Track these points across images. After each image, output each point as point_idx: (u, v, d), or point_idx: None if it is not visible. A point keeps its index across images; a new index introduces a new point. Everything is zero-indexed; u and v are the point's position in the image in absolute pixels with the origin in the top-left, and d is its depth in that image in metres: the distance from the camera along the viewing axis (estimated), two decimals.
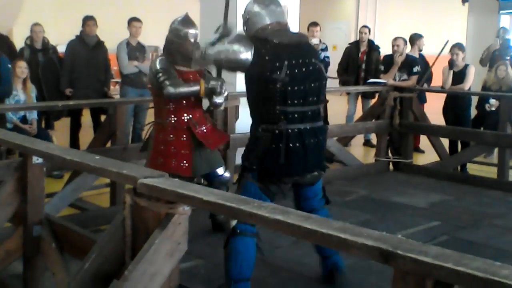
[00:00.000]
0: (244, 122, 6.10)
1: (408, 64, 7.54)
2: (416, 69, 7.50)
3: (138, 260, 2.20)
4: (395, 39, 7.94)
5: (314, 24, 8.68)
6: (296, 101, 3.39)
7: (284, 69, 3.34)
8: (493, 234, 4.97)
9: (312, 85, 3.46)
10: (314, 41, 8.38)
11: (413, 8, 17.11)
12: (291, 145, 3.36)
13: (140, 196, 2.31)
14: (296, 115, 3.40)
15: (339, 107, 9.90)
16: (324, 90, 3.61)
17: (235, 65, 3.48)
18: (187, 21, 4.45)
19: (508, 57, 9.30)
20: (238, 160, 6.16)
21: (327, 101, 4.20)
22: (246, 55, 3.37)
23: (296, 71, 3.39)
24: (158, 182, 2.26)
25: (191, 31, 4.38)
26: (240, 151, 6.02)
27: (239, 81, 6.66)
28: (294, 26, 7.15)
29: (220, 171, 4.64)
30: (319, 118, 3.53)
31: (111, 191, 5.27)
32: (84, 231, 3.05)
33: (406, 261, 1.57)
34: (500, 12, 11.14)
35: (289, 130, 3.37)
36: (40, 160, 3.05)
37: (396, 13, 17.16)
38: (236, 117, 5.88)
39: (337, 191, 6.09)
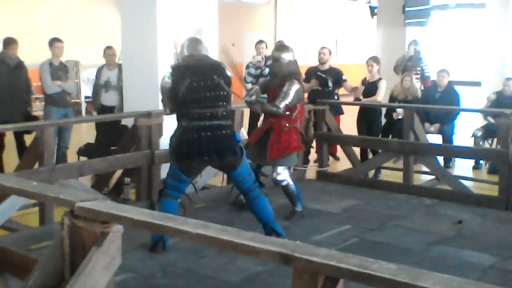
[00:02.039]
0: (168, 138, 6.41)
1: (335, 74, 8.30)
2: (343, 77, 8.43)
3: (78, 274, 2.49)
4: (322, 48, 8.62)
5: (260, 41, 9.12)
6: (194, 106, 4.74)
7: (185, 83, 4.72)
8: (398, 234, 5.49)
9: (208, 94, 4.74)
10: (257, 58, 8.81)
11: (327, 20, 17.90)
12: (190, 136, 4.73)
13: (77, 217, 2.60)
14: (195, 115, 4.74)
15: None
16: (223, 99, 4.78)
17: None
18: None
19: (419, 68, 10.05)
20: (163, 175, 6.48)
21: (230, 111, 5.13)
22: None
23: (195, 84, 4.74)
24: (93, 205, 2.56)
25: None
26: (164, 167, 6.35)
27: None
28: (212, 42, 7.55)
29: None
30: (218, 118, 4.77)
31: (40, 211, 5.43)
32: (23, 251, 3.28)
33: (301, 262, 1.96)
34: (406, 24, 11.93)
35: (190, 126, 4.74)
36: None
37: (312, 24, 17.89)
38: (160, 134, 6.16)
39: None
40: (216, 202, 6.42)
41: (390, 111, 8.74)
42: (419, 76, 9.97)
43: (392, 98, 8.83)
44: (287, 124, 5.66)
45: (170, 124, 6.51)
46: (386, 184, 7.24)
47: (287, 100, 5.54)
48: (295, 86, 5.57)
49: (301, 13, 17.87)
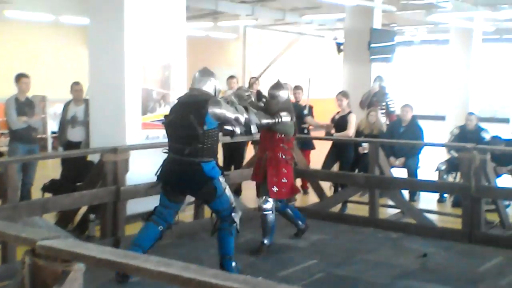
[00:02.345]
0: (134, 174, 6.41)
1: (297, 109, 8.49)
2: (305, 112, 8.70)
3: None
4: (296, 87, 9.09)
5: (231, 77, 9.38)
6: (172, 140, 5.04)
7: (170, 117, 5.03)
8: (364, 268, 5.53)
9: (181, 132, 4.92)
10: (228, 92, 8.91)
11: (294, 54, 18.17)
12: (168, 166, 5.06)
13: (38, 256, 2.58)
14: (172, 148, 5.04)
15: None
16: (193, 138, 4.83)
17: None
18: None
19: (384, 103, 10.25)
20: (130, 211, 6.45)
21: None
22: None
23: (175, 120, 4.97)
24: (55, 243, 2.55)
25: None
26: (130, 203, 6.32)
27: (128, 136, 6.99)
28: (181, 77, 7.61)
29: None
30: (191, 155, 4.87)
31: (2, 249, 5.33)
32: None
33: None
34: (371, 60, 12.20)
35: (169, 156, 5.07)
36: None
37: (280, 59, 18.11)
38: (126, 170, 6.15)
39: None
40: (183, 238, 6.38)
41: (356, 145, 8.87)
42: (384, 111, 10.16)
43: (358, 133, 8.97)
44: (283, 157, 5.92)
45: (137, 159, 6.52)
46: (353, 218, 7.30)
47: (287, 118, 5.79)
48: (288, 117, 5.82)
49: (269, 49, 18.11)
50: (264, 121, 5.63)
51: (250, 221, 7.15)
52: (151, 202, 6.87)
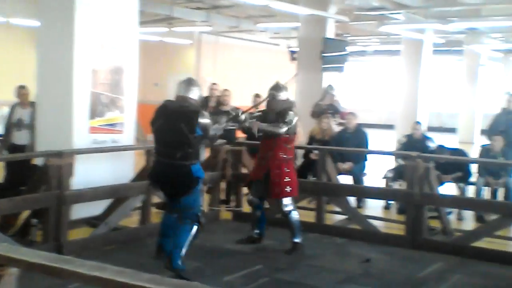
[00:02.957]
0: (79, 178, 6.34)
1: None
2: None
3: None
4: (225, 90, 9.12)
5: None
6: (160, 144, 5.38)
7: (158, 123, 5.34)
8: (308, 273, 5.60)
9: (171, 138, 5.26)
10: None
11: (248, 62, 18.28)
12: (156, 168, 5.45)
13: None
14: (161, 152, 5.37)
15: None
16: (183, 144, 5.20)
17: None
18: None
19: (339, 113, 10.38)
20: (75, 216, 6.38)
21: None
22: None
23: (164, 126, 5.31)
24: None
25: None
26: (75, 207, 6.25)
27: (75, 140, 6.91)
28: (132, 81, 7.56)
29: None
30: (182, 159, 5.22)
31: None
32: None
33: None
34: (323, 69, 12.35)
35: (157, 159, 5.47)
36: None
37: (234, 66, 18.20)
38: (71, 174, 6.07)
39: None
40: (127, 243, 6.34)
41: (309, 151, 8.98)
42: (336, 119, 10.30)
43: (311, 139, 9.09)
44: (284, 156, 6.15)
45: (82, 164, 6.45)
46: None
47: (289, 125, 6.06)
48: (294, 116, 6.12)
49: (224, 55, 18.16)
50: (269, 129, 6.08)
51: None
52: (96, 207, 6.86)
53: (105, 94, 7.30)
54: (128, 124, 7.60)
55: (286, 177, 6.15)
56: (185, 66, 17.92)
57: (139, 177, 6.97)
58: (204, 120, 5.29)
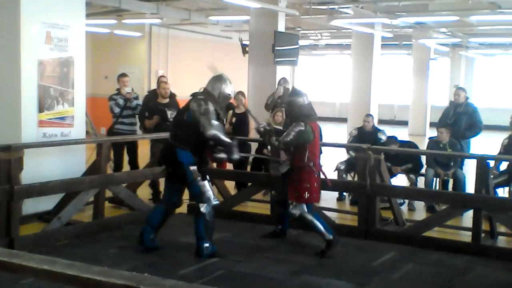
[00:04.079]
0: (29, 172, 6.18)
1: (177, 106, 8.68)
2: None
3: None
4: (166, 83, 8.97)
5: (123, 75, 9.04)
6: (171, 130, 5.97)
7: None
8: (264, 265, 5.61)
9: (175, 125, 5.95)
10: (127, 89, 8.74)
11: (200, 55, 18.17)
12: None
13: None
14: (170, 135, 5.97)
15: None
16: (187, 133, 5.63)
17: None
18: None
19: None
20: (25, 211, 6.22)
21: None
22: None
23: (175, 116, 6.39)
24: None
25: None
26: (26, 202, 6.10)
27: (24, 134, 6.74)
28: (80, 72, 7.41)
29: None
30: (171, 138, 5.84)
31: None
32: None
33: None
34: (276, 62, 12.37)
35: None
36: None
37: (186, 59, 18.06)
38: (21, 169, 5.92)
39: (126, 235, 6.40)
40: (80, 238, 6.22)
41: (262, 146, 8.98)
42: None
43: None
44: (304, 162, 5.96)
45: (32, 159, 6.29)
46: (255, 216, 7.38)
47: (286, 138, 5.95)
48: (298, 128, 5.95)
49: (176, 48, 17.98)
50: (272, 141, 6.15)
51: None
52: (48, 202, 6.72)
53: (54, 87, 7.14)
54: (78, 118, 7.46)
55: (305, 183, 5.99)
56: (136, 59, 17.68)
57: (90, 171, 6.85)
58: (200, 108, 5.55)
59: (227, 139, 5.75)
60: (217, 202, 5.83)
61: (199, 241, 5.69)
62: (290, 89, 6.32)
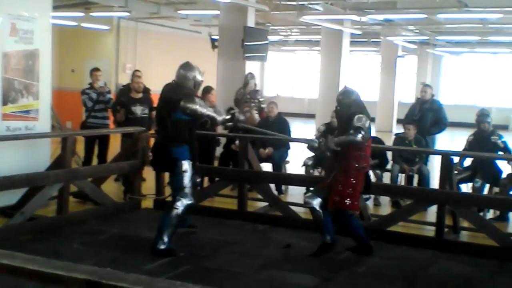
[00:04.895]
0: None
1: (150, 101, 8.77)
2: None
3: None
4: (139, 77, 8.99)
5: (96, 69, 9.05)
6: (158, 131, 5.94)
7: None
8: (230, 259, 5.60)
9: (157, 120, 5.90)
10: (100, 83, 8.69)
11: (170, 49, 18.04)
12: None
13: None
14: (156, 132, 6.09)
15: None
16: (167, 127, 5.62)
17: None
18: None
19: (257, 100, 10.43)
20: None
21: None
22: None
23: (156, 109, 6.06)
24: None
25: None
26: None
27: None
28: (46, 66, 7.30)
29: None
30: (162, 139, 5.75)
31: None
32: None
33: None
34: (245, 57, 12.36)
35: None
36: None
37: (155, 53, 17.92)
38: None
39: (91, 230, 6.35)
40: (44, 233, 6.13)
41: (230, 142, 8.99)
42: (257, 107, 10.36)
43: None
44: (356, 165, 5.56)
45: None
46: (222, 211, 7.38)
47: (363, 131, 5.47)
48: (365, 119, 5.55)
49: (145, 42, 17.82)
50: (346, 141, 5.50)
51: (117, 216, 7.06)
52: (11, 197, 6.60)
53: (18, 80, 7.01)
54: (43, 111, 7.35)
55: (350, 189, 5.56)
56: (104, 52, 17.48)
57: (55, 165, 6.75)
58: (190, 105, 5.50)
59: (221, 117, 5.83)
60: (192, 201, 5.74)
61: (159, 234, 5.60)
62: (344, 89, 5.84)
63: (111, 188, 8.40)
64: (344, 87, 5.97)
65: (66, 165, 6.67)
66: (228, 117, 5.89)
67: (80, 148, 8.41)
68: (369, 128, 5.62)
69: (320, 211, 5.70)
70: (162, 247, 5.55)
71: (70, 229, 6.33)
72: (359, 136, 5.47)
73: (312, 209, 5.74)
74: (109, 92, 8.97)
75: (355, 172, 5.56)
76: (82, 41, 17.53)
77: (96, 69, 9.03)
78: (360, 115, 5.56)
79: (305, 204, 5.87)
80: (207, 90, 9.07)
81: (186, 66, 5.75)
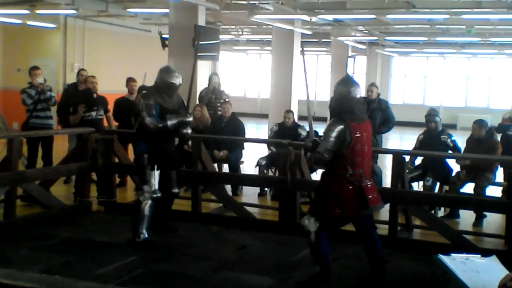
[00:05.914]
0: None
1: (104, 102, 8.74)
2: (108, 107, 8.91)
3: None
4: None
5: (35, 68, 8.74)
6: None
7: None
8: (185, 262, 5.51)
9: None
10: (39, 80, 8.42)
11: (119, 48, 17.74)
12: None
13: None
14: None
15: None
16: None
17: None
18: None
19: (222, 100, 10.32)
20: None
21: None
22: None
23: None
24: None
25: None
26: None
27: None
28: None
29: None
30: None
31: None
32: None
33: None
34: (198, 56, 12.20)
35: None
36: None
37: (104, 52, 17.59)
38: None
39: (40, 235, 6.14)
40: None
41: (182, 142, 8.83)
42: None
43: None
44: (340, 174, 4.77)
45: None
46: (176, 213, 7.25)
47: (327, 144, 4.68)
48: (336, 126, 4.72)
49: (93, 40, 17.45)
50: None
51: (67, 219, 6.86)
52: None
53: None
54: None
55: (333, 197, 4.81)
56: (51, 51, 17.04)
57: (1, 168, 6.51)
58: (143, 101, 5.84)
59: (161, 124, 5.92)
60: (158, 195, 5.95)
61: (134, 229, 5.87)
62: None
63: (61, 191, 8.16)
64: (344, 76, 5.32)
65: (12, 167, 6.43)
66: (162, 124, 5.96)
67: (23, 150, 8.12)
68: (342, 132, 4.74)
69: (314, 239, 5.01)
70: (141, 239, 5.80)
71: (18, 234, 6.10)
72: (323, 155, 4.72)
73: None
74: (50, 89, 8.65)
75: (334, 178, 4.87)
76: (28, 40, 17.04)
77: (34, 68, 8.68)
78: (334, 119, 4.86)
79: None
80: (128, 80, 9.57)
81: (161, 69, 6.18)
